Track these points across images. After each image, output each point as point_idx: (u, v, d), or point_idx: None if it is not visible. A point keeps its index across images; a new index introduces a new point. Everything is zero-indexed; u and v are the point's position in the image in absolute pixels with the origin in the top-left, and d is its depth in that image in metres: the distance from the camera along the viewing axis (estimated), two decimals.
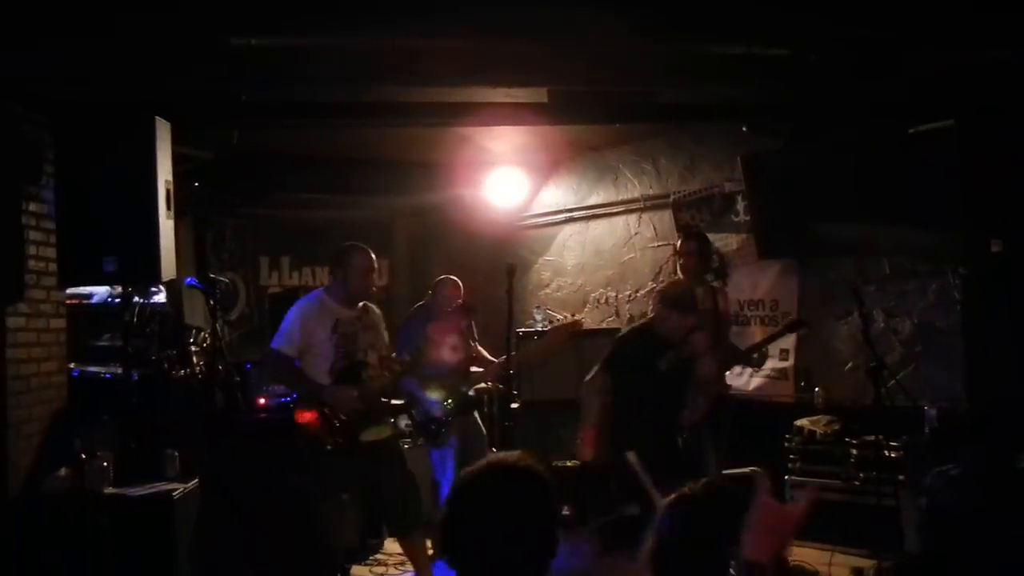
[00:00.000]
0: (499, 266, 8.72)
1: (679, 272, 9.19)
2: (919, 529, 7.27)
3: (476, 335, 8.96)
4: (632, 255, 11.54)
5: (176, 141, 7.35)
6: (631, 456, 7.09)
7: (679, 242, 9.45)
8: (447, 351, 8.45)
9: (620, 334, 8.06)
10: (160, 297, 9.03)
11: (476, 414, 8.93)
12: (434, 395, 8.41)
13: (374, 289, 7.61)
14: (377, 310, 7.74)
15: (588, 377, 7.69)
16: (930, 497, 7.05)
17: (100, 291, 8.92)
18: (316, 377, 7.30)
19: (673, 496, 3.80)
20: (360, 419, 7.27)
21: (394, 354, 7.83)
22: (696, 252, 8.85)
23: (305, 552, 7.62)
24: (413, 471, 7.75)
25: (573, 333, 9.73)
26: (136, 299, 8.45)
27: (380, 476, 7.38)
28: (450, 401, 8.40)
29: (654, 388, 7.29)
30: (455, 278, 8.91)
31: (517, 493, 2.95)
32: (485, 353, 8.93)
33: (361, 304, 7.51)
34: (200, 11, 6.18)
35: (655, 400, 7.27)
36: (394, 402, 8.08)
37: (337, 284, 7.49)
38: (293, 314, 7.44)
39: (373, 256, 7.48)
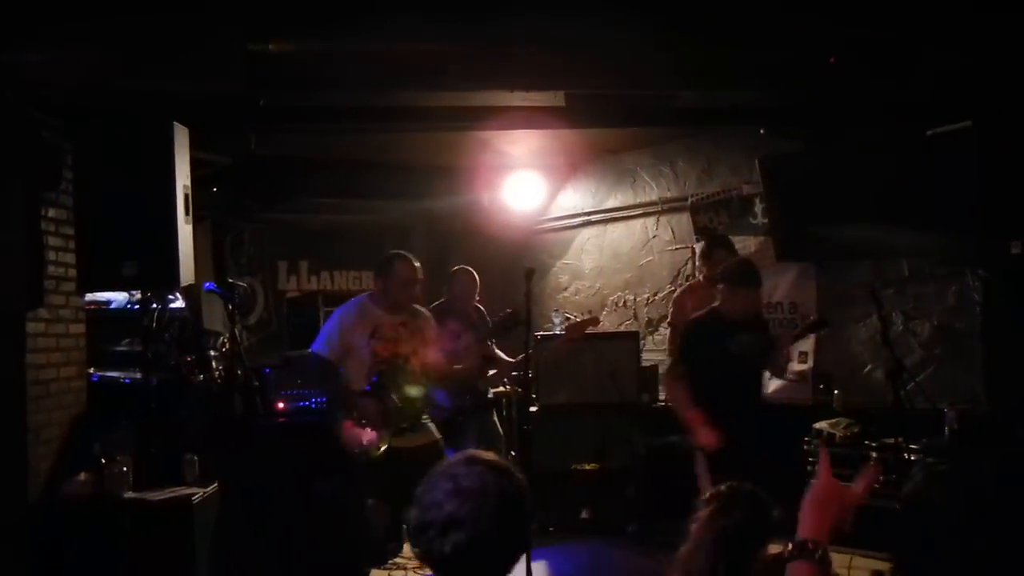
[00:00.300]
0: (517, 270, 8.70)
1: (700, 277, 9.18)
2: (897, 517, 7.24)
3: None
4: (650, 258, 11.53)
5: (194, 146, 7.36)
6: (699, 456, 7.15)
7: (701, 246, 9.44)
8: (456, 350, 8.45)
9: (689, 319, 8.04)
10: (178, 303, 9.04)
11: (495, 416, 8.92)
12: (437, 388, 8.39)
13: (417, 297, 7.61)
14: (427, 315, 7.72)
15: (667, 367, 7.79)
16: (911, 487, 7.04)
17: (119, 297, 8.94)
18: (356, 382, 7.33)
19: (704, 499, 3.84)
20: (390, 426, 7.27)
21: None
22: (724, 260, 8.83)
23: (326, 556, 7.63)
24: None
25: (589, 330, 9.63)
26: (154, 304, 8.45)
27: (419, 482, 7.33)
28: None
29: (727, 371, 7.30)
30: (470, 269, 8.92)
31: (488, 480, 2.94)
32: (501, 354, 8.91)
33: (408, 310, 7.52)
34: (217, 16, 6.20)
35: (728, 383, 7.29)
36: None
37: (379, 291, 7.52)
38: (333, 318, 7.54)
39: (417, 265, 7.48)
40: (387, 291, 7.44)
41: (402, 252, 7.56)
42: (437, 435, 7.71)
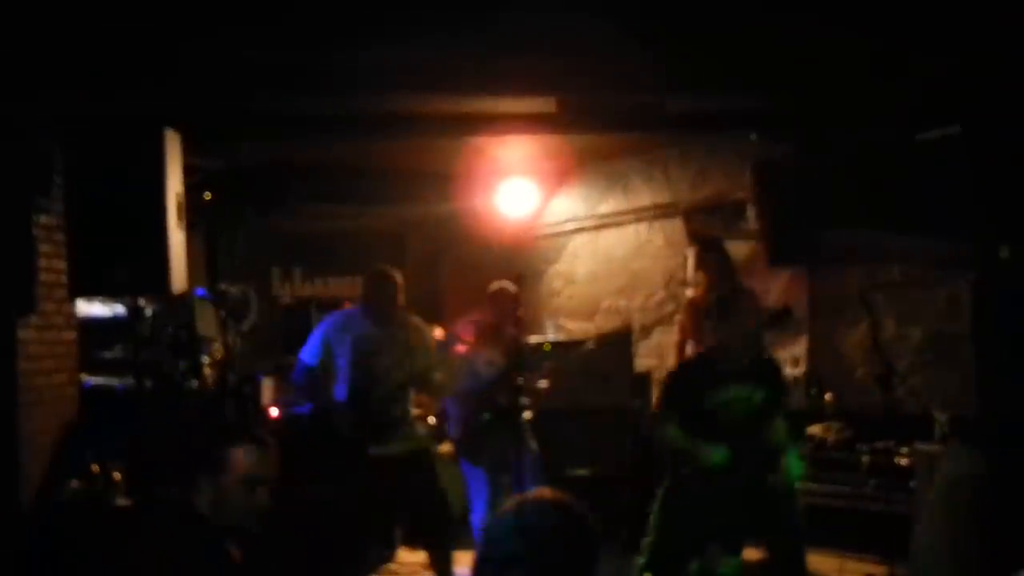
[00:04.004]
0: (510, 276, 8.67)
1: (690, 291, 9.11)
2: None
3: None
4: (642, 263, 11.54)
5: (186, 152, 7.37)
6: None
7: (694, 252, 9.35)
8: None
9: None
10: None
11: (523, 433, 8.52)
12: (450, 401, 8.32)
13: (396, 308, 7.53)
14: (418, 324, 7.66)
15: None
16: None
17: (100, 310, 8.93)
18: (338, 391, 7.36)
19: None
20: (368, 436, 7.26)
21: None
22: (718, 264, 8.75)
23: (320, 562, 7.63)
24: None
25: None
26: (147, 311, 8.45)
27: (404, 490, 7.34)
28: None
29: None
30: (508, 288, 8.54)
31: (551, 520, 2.94)
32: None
33: (399, 320, 7.50)
34: (211, 23, 6.21)
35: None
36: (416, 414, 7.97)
37: (365, 303, 7.52)
38: (319, 327, 7.55)
39: (395, 280, 7.42)
40: (367, 305, 7.45)
41: (380, 267, 7.52)
42: (424, 443, 7.69)
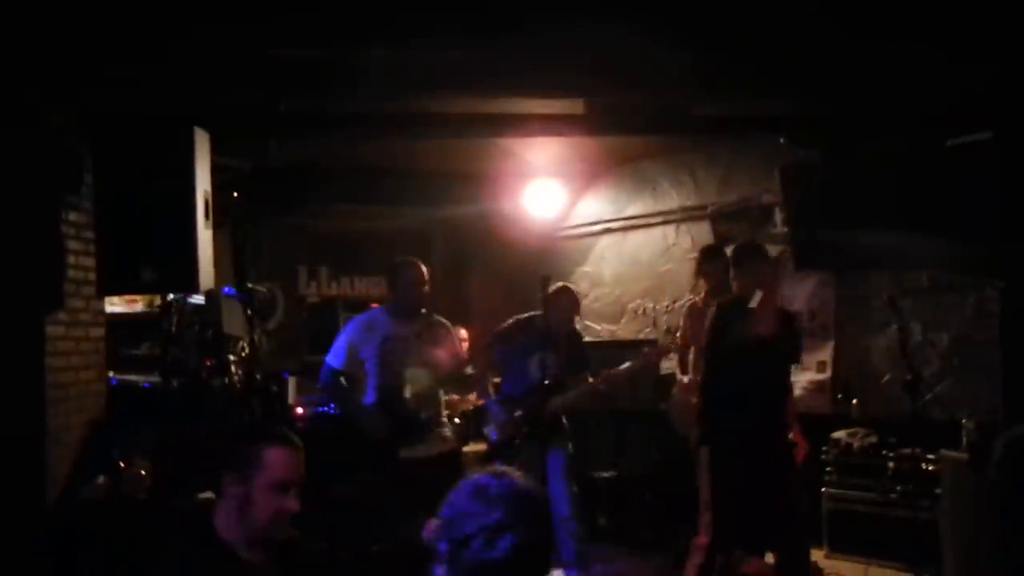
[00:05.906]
0: (536, 277, 8.64)
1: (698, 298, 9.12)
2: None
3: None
4: (669, 266, 11.52)
5: (214, 151, 7.37)
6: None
7: (696, 260, 9.30)
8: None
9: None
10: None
11: (562, 452, 8.29)
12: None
13: (421, 301, 7.53)
14: (443, 323, 7.67)
15: None
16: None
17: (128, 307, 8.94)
18: (366, 393, 7.35)
19: None
20: (397, 438, 7.26)
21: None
22: (716, 273, 8.70)
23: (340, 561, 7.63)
24: None
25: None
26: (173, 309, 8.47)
27: (434, 492, 7.30)
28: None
29: None
30: (570, 288, 8.58)
31: (522, 486, 2.94)
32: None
33: (423, 319, 7.49)
34: (239, 23, 6.22)
35: None
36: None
37: (389, 299, 7.52)
38: (345, 330, 7.54)
39: (423, 269, 7.45)
40: (396, 297, 7.44)
41: (407, 258, 7.55)
42: (454, 443, 7.66)
